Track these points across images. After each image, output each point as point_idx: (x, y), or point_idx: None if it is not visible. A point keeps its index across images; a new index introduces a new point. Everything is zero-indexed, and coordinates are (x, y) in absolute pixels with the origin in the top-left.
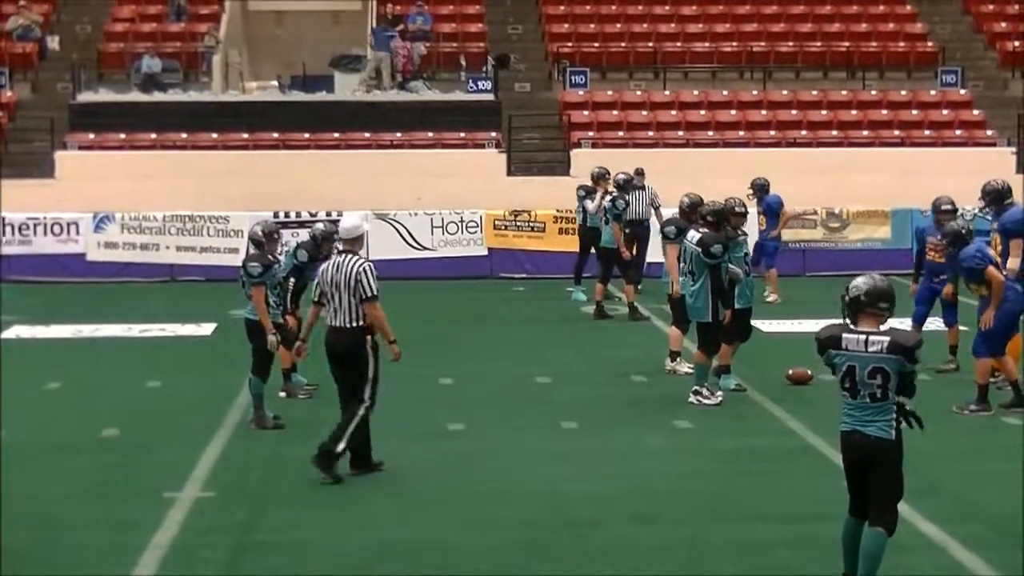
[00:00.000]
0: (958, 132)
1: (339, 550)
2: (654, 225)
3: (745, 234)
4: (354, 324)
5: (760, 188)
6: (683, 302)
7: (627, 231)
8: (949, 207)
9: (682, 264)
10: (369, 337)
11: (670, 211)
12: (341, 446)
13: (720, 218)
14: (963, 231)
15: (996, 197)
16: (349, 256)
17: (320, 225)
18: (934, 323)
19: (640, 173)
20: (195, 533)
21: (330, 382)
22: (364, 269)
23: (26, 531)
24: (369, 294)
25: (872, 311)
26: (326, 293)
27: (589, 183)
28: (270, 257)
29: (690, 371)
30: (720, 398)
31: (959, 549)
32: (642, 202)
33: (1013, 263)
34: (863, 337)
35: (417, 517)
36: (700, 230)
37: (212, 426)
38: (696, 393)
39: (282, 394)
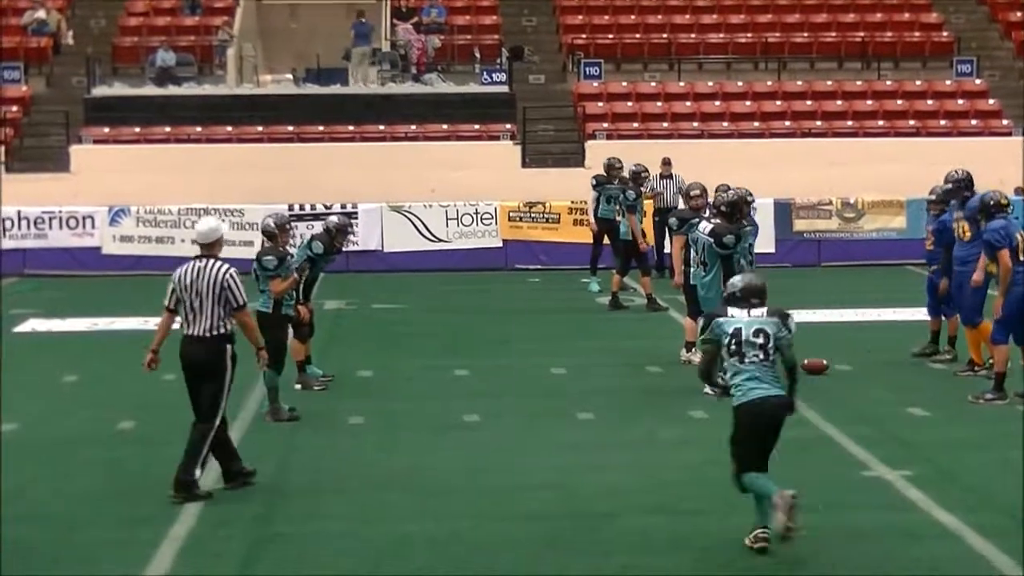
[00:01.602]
0: (973, 122)
1: (354, 542)
2: None
3: (754, 225)
4: (215, 333)
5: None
6: (695, 292)
7: (656, 218)
8: (931, 197)
9: (694, 255)
10: (229, 347)
11: None
12: (198, 472)
13: (734, 209)
14: (991, 203)
15: (959, 187)
16: (210, 261)
17: (334, 218)
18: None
19: (667, 163)
20: (210, 526)
21: (346, 373)
22: (231, 276)
23: (41, 524)
24: (239, 303)
25: (747, 303)
26: (183, 301)
27: (603, 173)
28: (282, 249)
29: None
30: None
31: (975, 538)
32: (670, 190)
33: None
34: (746, 308)
35: (431, 509)
36: (712, 220)
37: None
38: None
39: (297, 386)
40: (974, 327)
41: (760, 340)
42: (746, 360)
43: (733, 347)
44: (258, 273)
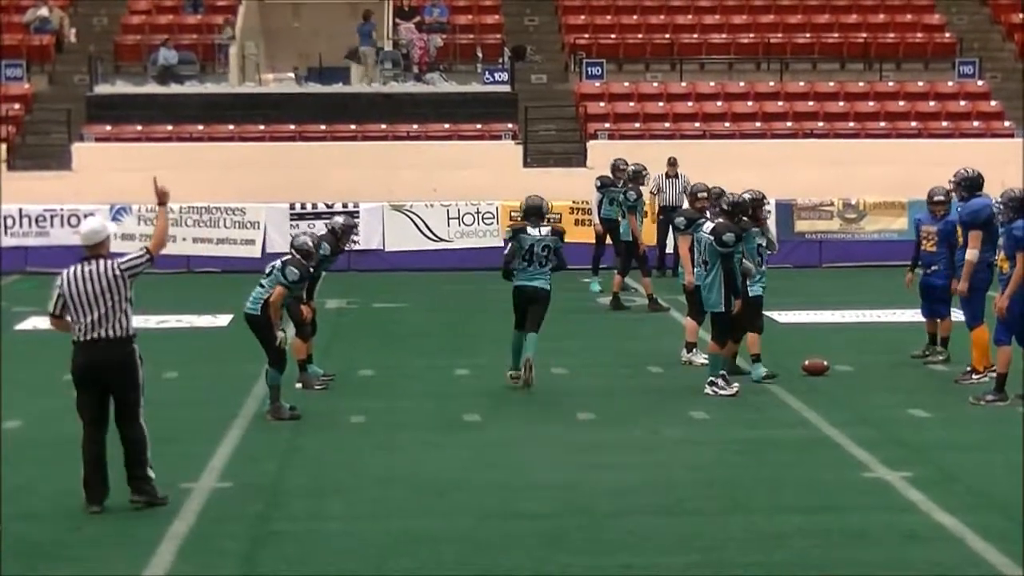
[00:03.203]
0: (975, 123)
1: (355, 540)
2: None
3: (763, 225)
4: (121, 334)
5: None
6: (698, 293)
7: (660, 217)
8: (941, 197)
9: (696, 255)
10: (136, 347)
11: None
12: (151, 469)
13: (737, 209)
14: None
15: (971, 185)
16: (100, 262)
17: (339, 219)
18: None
19: (673, 163)
20: (212, 523)
21: (347, 372)
22: (120, 263)
23: (43, 523)
24: (149, 254)
25: (533, 221)
26: (77, 307)
27: (608, 175)
28: (310, 269)
29: (706, 362)
30: (736, 388)
31: (976, 540)
32: (675, 190)
33: (972, 255)
34: (539, 229)
35: (433, 508)
36: (715, 220)
37: (229, 417)
38: (712, 384)
39: (298, 385)
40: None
41: (544, 252)
42: (532, 265)
43: (526, 255)
44: (274, 274)
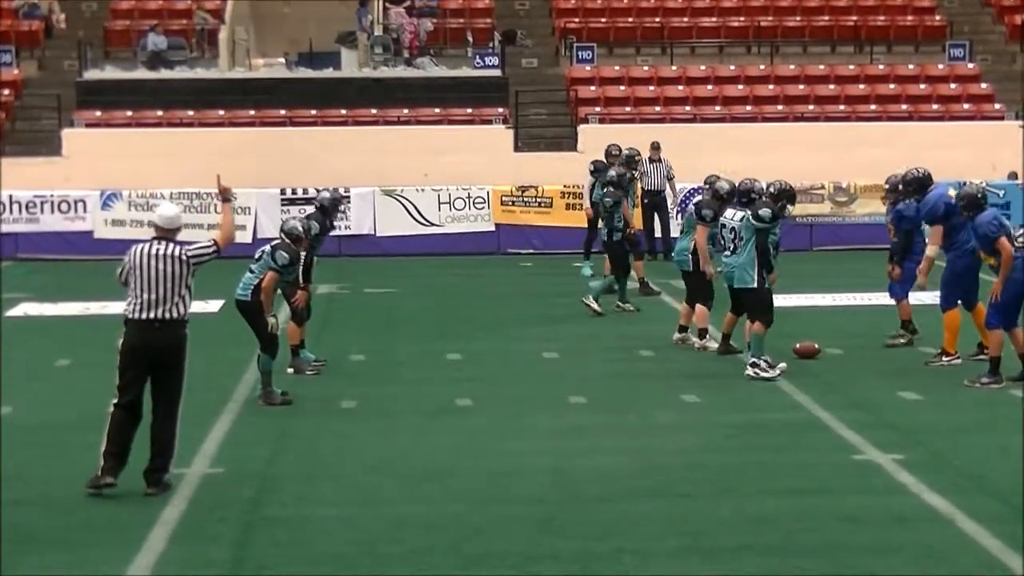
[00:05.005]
0: (966, 106)
1: (347, 526)
2: (670, 196)
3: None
4: (179, 315)
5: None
6: (701, 279)
7: (645, 201)
8: (886, 187)
9: (721, 242)
10: (187, 332)
11: (680, 185)
12: (173, 466)
13: (783, 196)
14: (978, 195)
15: (919, 187)
16: (169, 244)
17: (325, 194)
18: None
19: (656, 147)
20: (203, 509)
21: (339, 357)
22: (187, 249)
23: (35, 508)
24: (215, 245)
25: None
26: (138, 282)
27: (602, 159)
28: (301, 254)
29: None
30: (780, 370)
31: (967, 521)
32: (659, 174)
33: (931, 250)
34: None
35: (425, 493)
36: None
37: (220, 403)
38: (753, 366)
39: (290, 370)
40: (972, 311)
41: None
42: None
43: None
44: (264, 259)
